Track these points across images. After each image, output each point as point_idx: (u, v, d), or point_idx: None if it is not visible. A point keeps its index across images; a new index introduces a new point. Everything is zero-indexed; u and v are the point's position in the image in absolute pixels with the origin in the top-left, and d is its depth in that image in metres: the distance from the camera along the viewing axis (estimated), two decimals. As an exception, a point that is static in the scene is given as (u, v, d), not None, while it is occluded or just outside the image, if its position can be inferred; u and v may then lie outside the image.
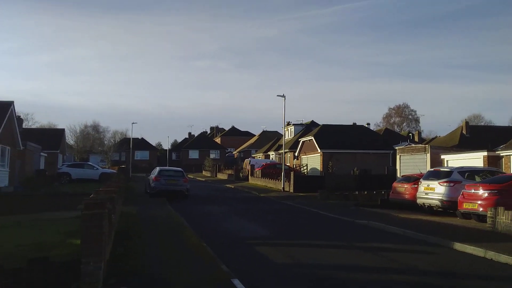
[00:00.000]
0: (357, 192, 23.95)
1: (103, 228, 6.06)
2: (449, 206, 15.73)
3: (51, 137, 41.96)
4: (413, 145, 28.94)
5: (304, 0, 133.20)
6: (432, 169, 17.98)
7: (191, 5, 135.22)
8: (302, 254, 9.71)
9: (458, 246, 10.26)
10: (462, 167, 17.33)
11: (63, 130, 46.61)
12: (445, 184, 16.06)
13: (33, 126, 63.50)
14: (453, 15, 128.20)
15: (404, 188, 18.72)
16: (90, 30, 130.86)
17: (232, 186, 35.54)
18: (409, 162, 28.28)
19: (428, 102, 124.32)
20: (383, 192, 24.14)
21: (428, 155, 26.26)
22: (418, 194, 17.11)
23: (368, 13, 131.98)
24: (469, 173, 16.80)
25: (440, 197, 15.99)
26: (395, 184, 19.63)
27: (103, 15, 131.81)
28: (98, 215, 6.04)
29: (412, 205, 17.88)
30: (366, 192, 23.96)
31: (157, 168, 25.12)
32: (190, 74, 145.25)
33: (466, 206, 14.00)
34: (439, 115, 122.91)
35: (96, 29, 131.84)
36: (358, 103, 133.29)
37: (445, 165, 23.90)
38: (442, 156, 24.87)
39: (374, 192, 24.13)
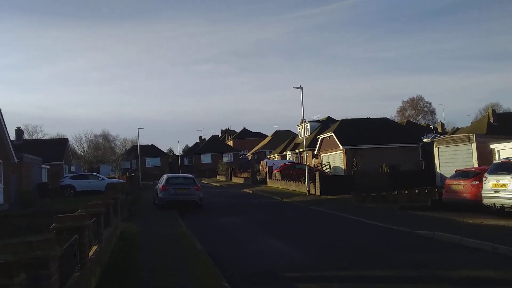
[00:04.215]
0: (396, 192, 20.65)
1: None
2: (530, 207, 12.44)
3: (53, 147, 39.38)
4: (453, 135, 25.59)
5: (300, 0, 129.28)
6: (500, 161, 14.65)
7: (187, 11, 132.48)
8: (371, 296, 6.56)
9: None
10: (538, 157, 13.99)
11: (66, 139, 43.97)
12: (521, 179, 12.76)
13: (43, 138, 61.47)
14: (456, 7, 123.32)
15: (461, 186, 15.42)
16: (88, 41, 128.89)
17: (251, 191, 32.41)
18: (449, 155, 24.89)
19: (439, 94, 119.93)
20: (426, 191, 20.88)
21: (474, 145, 22.89)
22: (485, 193, 13.81)
23: (367, 9, 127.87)
24: (543, 164, 13.48)
25: (517, 196, 12.69)
26: (449, 181, 16.32)
27: (101, 25, 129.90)
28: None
29: (474, 205, 14.62)
30: (406, 192, 20.66)
31: (165, 176, 22.09)
32: (193, 80, 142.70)
33: None
34: (452, 106, 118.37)
35: (95, 40, 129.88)
36: (367, 99, 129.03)
37: (497, 156, 20.54)
38: (492, 146, 21.39)
39: (416, 191, 20.83)
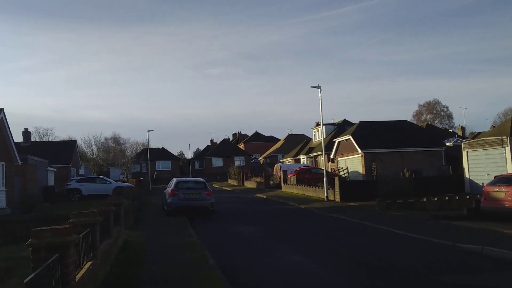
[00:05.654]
0: (424, 199, 19.00)
1: None
2: None
3: (61, 150, 38.37)
4: (484, 138, 23.76)
5: (314, 2, 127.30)
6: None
7: (199, 13, 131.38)
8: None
9: None
10: None
11: (74, 141, 42.91)
12: None
13: (53, 140, 60.72)
14: (473, 9, 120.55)
15: (503, 193, 13.78)
16: (101, 43, 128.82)
17: (264, 196, 30.90)
18: (480, 159, 23.16)
19: (454, 98, 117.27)
20: (457, 198, 19.21)
21: (508, 148, 21.14)
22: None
23: (379, 12, 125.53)
24: None
25: None
26: (488, 188, 14.66)
27: (114, 28, 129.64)
28: None
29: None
30: (436, 199, 19.00)
31: (174, 180, 20.68)
32: (204, 82, 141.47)
33: None
34: (467, 111, 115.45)
35: (108, 43, 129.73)
36: (382, 103, 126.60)
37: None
38: (529, 149, 19.69)
39: (447, 198, 19.17)
